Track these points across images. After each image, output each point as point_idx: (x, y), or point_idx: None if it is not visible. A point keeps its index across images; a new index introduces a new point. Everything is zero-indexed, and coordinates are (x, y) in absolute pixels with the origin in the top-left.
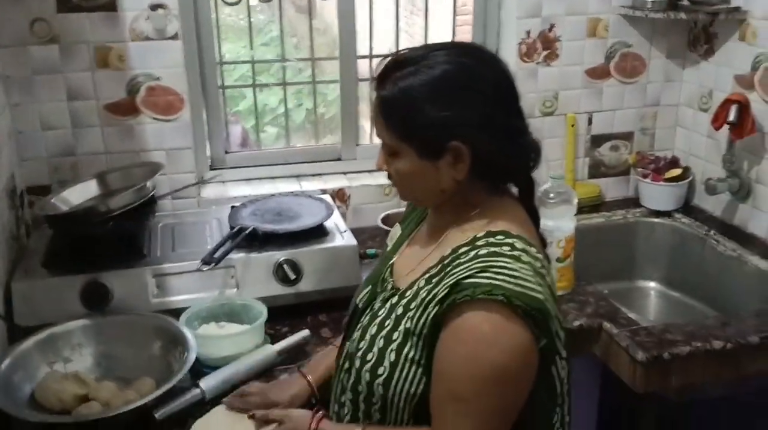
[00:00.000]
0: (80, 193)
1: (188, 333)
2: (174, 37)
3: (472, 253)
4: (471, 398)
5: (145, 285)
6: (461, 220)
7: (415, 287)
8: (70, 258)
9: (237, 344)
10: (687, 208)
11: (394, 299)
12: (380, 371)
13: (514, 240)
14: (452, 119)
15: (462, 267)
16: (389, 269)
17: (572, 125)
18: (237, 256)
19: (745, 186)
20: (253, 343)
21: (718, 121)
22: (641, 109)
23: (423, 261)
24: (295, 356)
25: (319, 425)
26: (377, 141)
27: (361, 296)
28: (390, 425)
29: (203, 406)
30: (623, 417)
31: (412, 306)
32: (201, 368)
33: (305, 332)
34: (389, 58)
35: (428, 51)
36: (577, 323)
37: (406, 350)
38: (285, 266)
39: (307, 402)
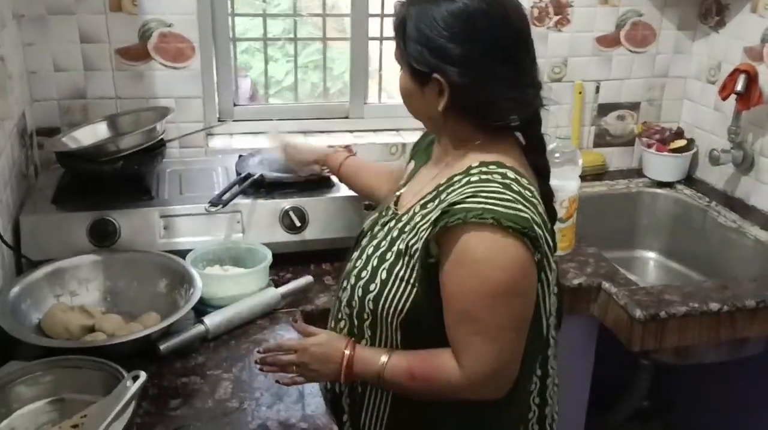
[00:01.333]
0: (90, 134)
1: (194, 272)
2: None
3: (465, 179)
4: (481, 316)
5: (153, 225)
6: (459, 152)
7: (410, 212)
8: (79, 195)
9: (241, 285)
10: (689, 180)
11: (392, 223)
12: (371, 287)
13: (506, 170)
14: (441, 53)
15: (454, 192)
16: (396, 199)
17: (580, 93)
18: (243, 201)
19: (748, 158)
20: (256, 285)
21: (725, 90)
22: (649, 80)
23: (422, 190)
24: (297, 301)
25: (355, 350)
26: (385, 100)
27: (367, 222)
28: (380, 341)
29: (206, 342)
30: (619, 378)
31: (406, 229)
32: (205, 308)
33: (308, 278)
34: None
35: None
36: (576, 282)
37: (396, 269)
38: (291, 213)
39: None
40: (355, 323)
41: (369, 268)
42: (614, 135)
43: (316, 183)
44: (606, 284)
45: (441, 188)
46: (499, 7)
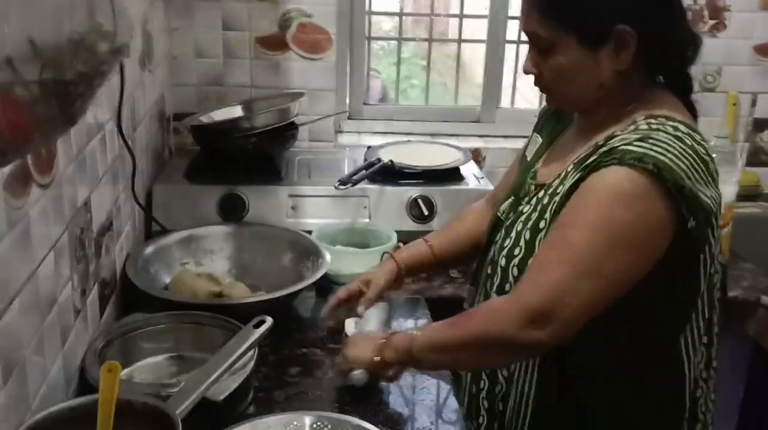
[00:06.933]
0: (225, 114)
1: (323, 246)
2: None
3: (632, 127)
4: (578, 246)
5: (281, 204)
6: (615, 116)
7: (563, 174)
8: (211, 171)
9: (365, 263)
10: None
11: (540, 193)
12: (530, 262)
13: (678, 124)
14: (618, 1)
15: (617, 138)
16: (533, 175)
17: (734, 104)
18: (371, 187)
19: None
20: None
21: None
22: None
23: (572, 154)
24: (422, 289)
25: (392, 337)
26: (519, 105)
27: (502, 208)
28: None
29: None
30: None
31: (558, 190)
32: (329, 284)
33: None
34: None
35: None
36: (731, 295)
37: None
38: (420, 202)
39: (395, 280)
40: None
41: (521, 243)
42: None
43: (446, 173)
44: (766, 299)
45: (600, 145)
46: None
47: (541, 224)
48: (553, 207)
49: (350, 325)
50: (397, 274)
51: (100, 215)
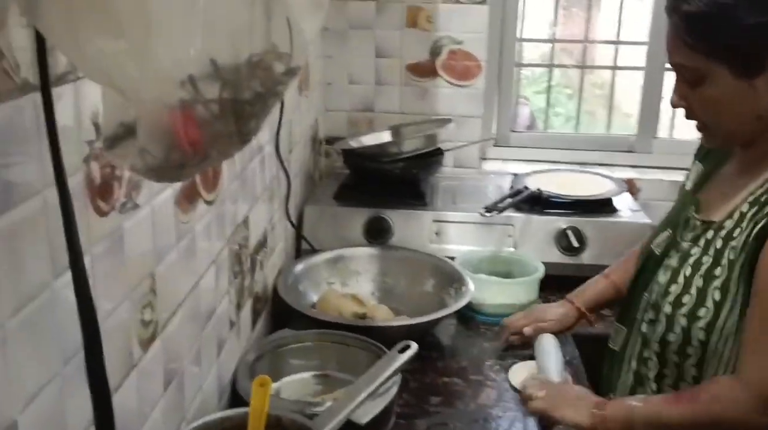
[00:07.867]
0: (375, 139)
1: (466, 274)
2: (482, 1)
3: None
4: None
5: (425, 228)
6: None
7: (736, 214)
8: (359, 194)
9: (510, 294)
10: None
11: (710, 234)
12: (701, 312)
13: None
14: None
15: None
16: (695, 208)
17: None
18: (517, 215)
19: None
20: (527, 297)
21: None
22: None
23: (741, 190)
24: None
25: (607, 407)
26: (677, 135)
27: (658, 242)
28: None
29: None
30: None
31: (735, 234)
32: (472, 313)
33: None
34: None
35: None
36: None
37: (732, 285)
38: (569, 233)
39: (575, 324)
40: (673, 360)
41: (692, 291)
42: None
43: (598, 204)
44: None
45: None
46: None
47: (717, 271)
48: (732, 254)
49: (516, 374)
50: (576, 318)
51: (257, 232)
